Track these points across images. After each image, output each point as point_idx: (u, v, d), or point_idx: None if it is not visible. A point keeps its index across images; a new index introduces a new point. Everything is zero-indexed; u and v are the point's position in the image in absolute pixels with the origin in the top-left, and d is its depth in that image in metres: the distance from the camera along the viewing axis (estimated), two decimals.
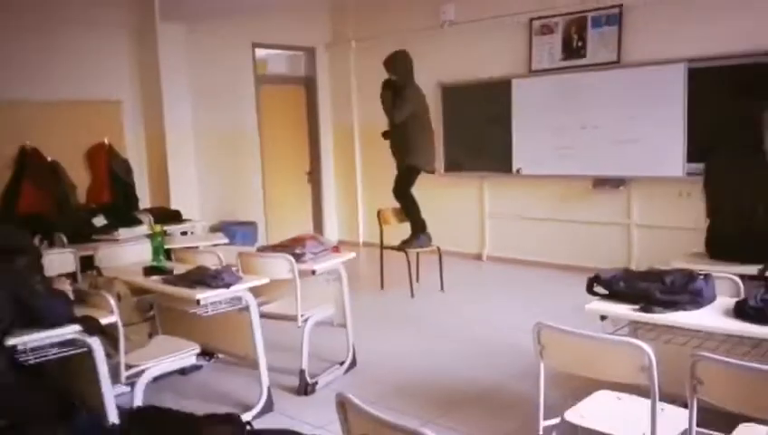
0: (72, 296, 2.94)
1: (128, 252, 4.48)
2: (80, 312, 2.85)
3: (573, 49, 6.56)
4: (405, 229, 6.22)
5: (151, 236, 4.27)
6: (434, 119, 6.48)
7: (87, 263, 4.52)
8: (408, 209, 6.13)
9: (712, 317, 2.62)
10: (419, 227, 6.11)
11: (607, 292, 2.91)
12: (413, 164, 6.01)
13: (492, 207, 7.47)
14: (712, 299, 2.77)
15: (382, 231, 6.34)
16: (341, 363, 4.28)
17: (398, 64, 5.91)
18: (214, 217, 7.32)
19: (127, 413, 2.38)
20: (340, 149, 8.88)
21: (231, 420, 1.91)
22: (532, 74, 6.87)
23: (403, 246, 6.09)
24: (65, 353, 2.75)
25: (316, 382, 3.99)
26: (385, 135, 6.16)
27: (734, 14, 5.58)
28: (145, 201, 6.80)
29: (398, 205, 6.24)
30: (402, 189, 6.09)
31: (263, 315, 3.81)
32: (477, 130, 7.31)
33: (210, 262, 3.92)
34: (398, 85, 5.89)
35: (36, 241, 4.74)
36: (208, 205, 7.29)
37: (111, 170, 6.48)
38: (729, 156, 3.77)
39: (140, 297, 3.92)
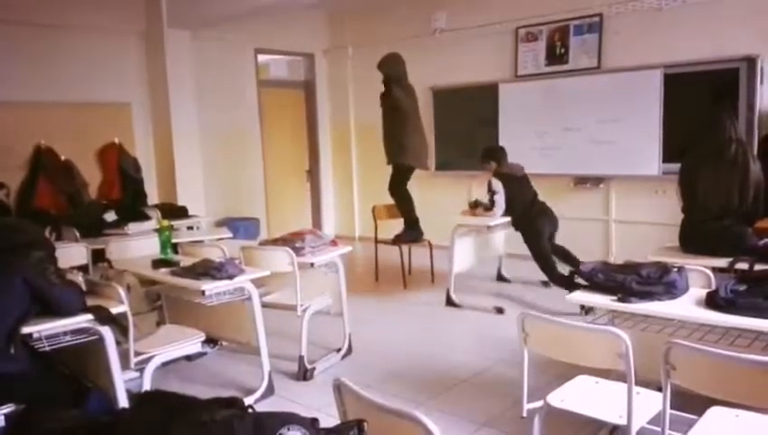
0: (84, 287, 2.93)
1: (137, 246, 4.47)
2: (91, 302, 2.83)
3: (556, 55, 6.57)
4: (398, 224, 6.21)
5: (159, 231, 4.25)
6: (426, 121, 6.46)
7: (98, 256, 4.52)
8: (402, 205, 6.12)
9: (685, 307, 2.62)
10: (412, 223, 6.10)
11: (587, 283, 2.92)
12: (406, 163, 5.99)
13: None
14: (685, 290, 2.78)
15: (377, 226, 6.34)
16: (338, 350, 4.28)
17: (391, 65, 5.88)
18: (218, 212, 7.29)
19: (136, 397, 2.38)
20: (337, 149, 8.86)
21: (234, 404, 1.91)
22: (517, 79, 6.87)
23: (396, 241, 6.09)
24: (78, 341, 2.74)
25: (314, 368, 3.99)
26: (383, 97, 5.84)
27: (704, 24, 5.60)
28: (153, 198, 6.77)
29: (392, 201, 6.23)
30: (396, 186, 6.07)
31: (264, 305, 3.80)
32: (467, 132, 7.30)
33: (215, 255, 3.91)
34: (397, 85, 5.85)
35: (46, 234, 4.73)
36: (213, 201, 7.27)
37: (121, 169, 6.44)
38: (700, 156, 3.77)
39: (149, 288, 3.92)
